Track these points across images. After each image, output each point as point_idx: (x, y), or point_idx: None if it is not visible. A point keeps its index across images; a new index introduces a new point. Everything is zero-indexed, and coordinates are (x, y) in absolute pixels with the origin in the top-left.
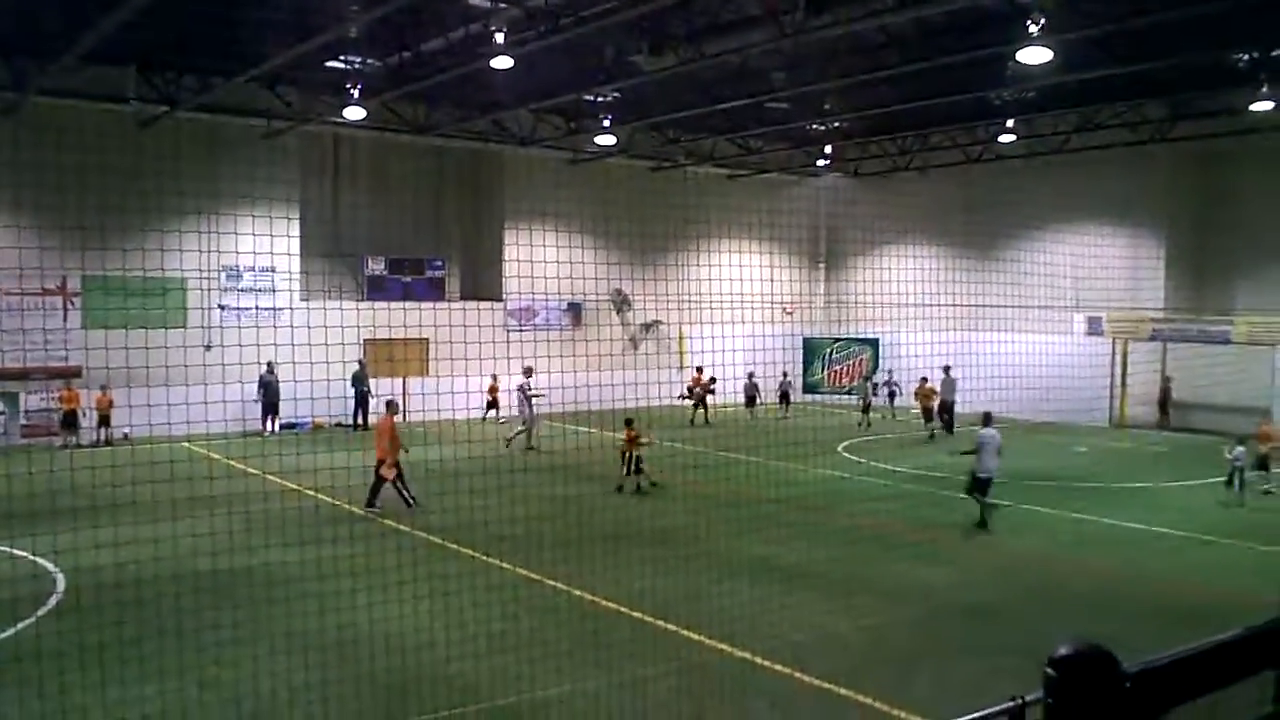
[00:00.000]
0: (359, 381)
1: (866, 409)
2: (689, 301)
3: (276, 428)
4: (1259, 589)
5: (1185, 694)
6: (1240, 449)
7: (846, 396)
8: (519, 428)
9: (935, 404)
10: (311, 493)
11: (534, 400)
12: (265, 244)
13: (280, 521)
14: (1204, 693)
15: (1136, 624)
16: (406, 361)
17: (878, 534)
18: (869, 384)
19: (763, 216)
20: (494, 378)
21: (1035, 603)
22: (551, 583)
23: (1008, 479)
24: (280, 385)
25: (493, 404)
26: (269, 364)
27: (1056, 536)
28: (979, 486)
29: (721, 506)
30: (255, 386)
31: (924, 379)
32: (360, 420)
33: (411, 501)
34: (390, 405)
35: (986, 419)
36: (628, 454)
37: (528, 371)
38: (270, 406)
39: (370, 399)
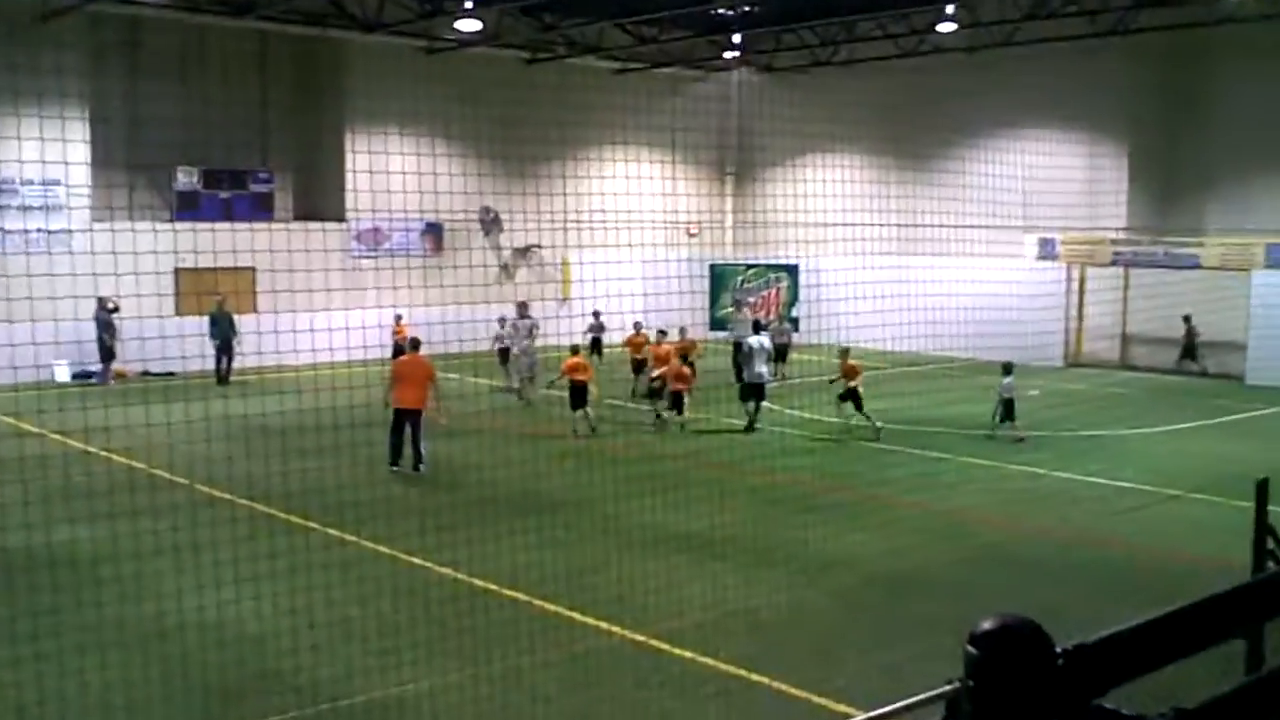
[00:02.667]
0: (219, 324)
1: (782, 350)
2: (573, 222)
3: (110, 378)
4: (1232, 550)
5: (1125, 672)
6: (1007, 380)
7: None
8: (519, 376)
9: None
10: (113, 456)
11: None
12: (46, 150)
13: (75, 491)
14: (1147, 670)
15: (1091, 596)
16: (228, 295)
17: (796, 494)
18: (785, 323)
19: (660, 119)
20: (398, 319)
21: (978, 572)
22: (409, 558)
23: (945, 427)
24: (117, 323)
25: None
26: (101, 300)
27: (1003, 494)
28: (752, 393)
29: (611, 464)
30: (94, 327)
31: (638, 325)
32: (227, 369)
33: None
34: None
35: (756, 327)
36: (675, 390)
37: (522, 307)
38: (109, 351)
39: (236, 345)
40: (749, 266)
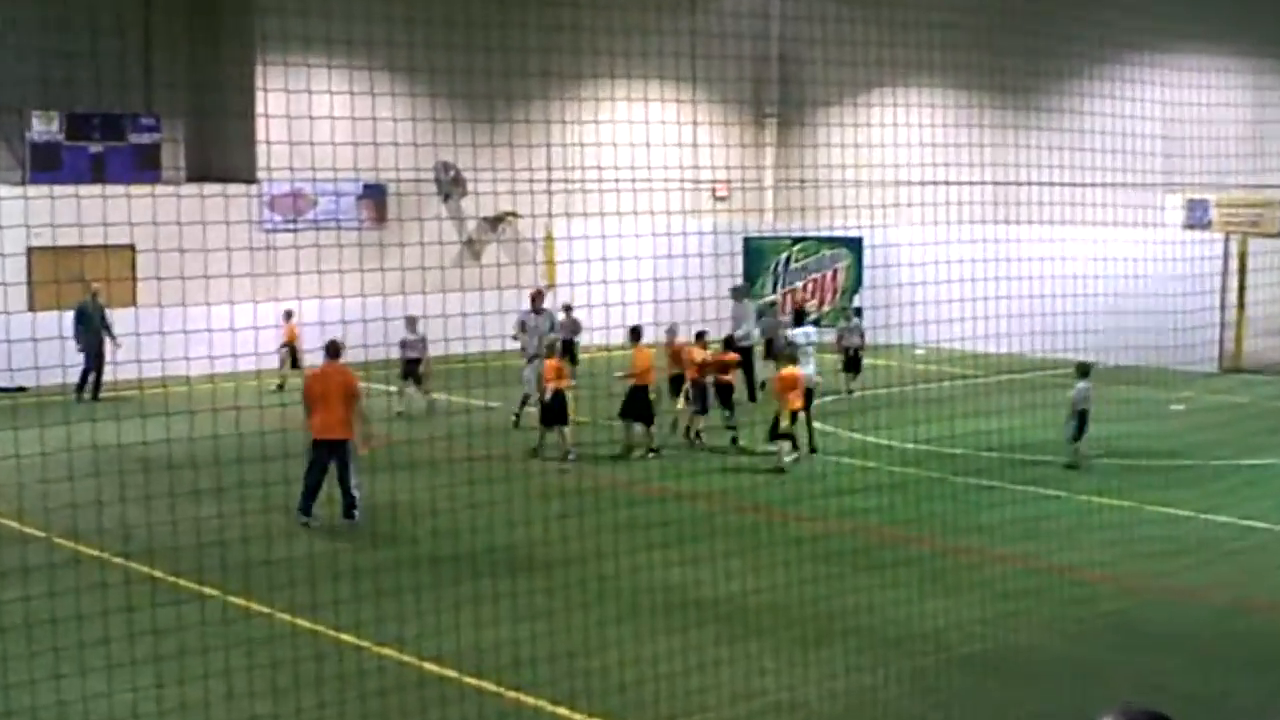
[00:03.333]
0: (88, 321)
1: (854, 358)
2: (560, 182)
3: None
4: None
5: None
6: (1083, 384)
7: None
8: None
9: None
10: None
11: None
12: None
13: None
14: None
15: (1252, 678)
16: (101, 284)
17: (858, 546)
18: (853, 317)
19: (677, 44)
20: (288, 315)
21: (1098, 648)
22: (338, 635)
23: (1057, 455)
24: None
25: (294, 357)
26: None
27: (1133, 544)
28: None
29: (610, 506)
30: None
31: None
32: (96, 381)
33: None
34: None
35: (799, 318)
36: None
37: (537, 299)
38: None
39: (111, 346)
40: (796, 240)
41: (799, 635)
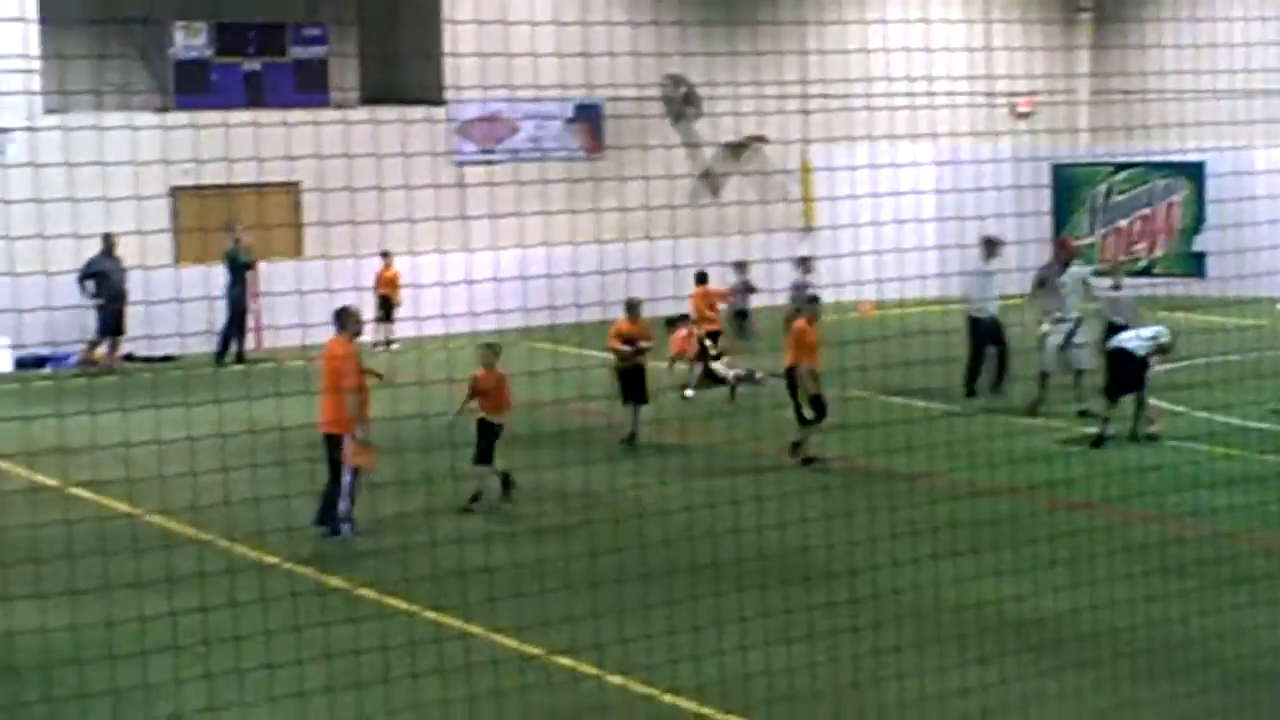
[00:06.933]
0: (236, 271)
1: None
2: (819, 96)
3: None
4: None
5: None
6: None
7: (1143, 279)
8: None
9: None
10: (83, 493)
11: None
12: None
13: (33, 551)
14: None
15: None
16: (261, 232)
17: (1217, 554)
18: None
19: None
20: (385, 257)
21: None
22: (572, 665)
23: None
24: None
25: (387, 311)
26: (108, 239)
27: None
28: (1126, 381)
29: (900, 505)
30: (83, 282)
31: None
32: (238, 345)
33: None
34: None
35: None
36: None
37: (741, 269)
38: (113, 318)
39: (252, 304)
40: (1119, 167)
41: (1141, 667)
